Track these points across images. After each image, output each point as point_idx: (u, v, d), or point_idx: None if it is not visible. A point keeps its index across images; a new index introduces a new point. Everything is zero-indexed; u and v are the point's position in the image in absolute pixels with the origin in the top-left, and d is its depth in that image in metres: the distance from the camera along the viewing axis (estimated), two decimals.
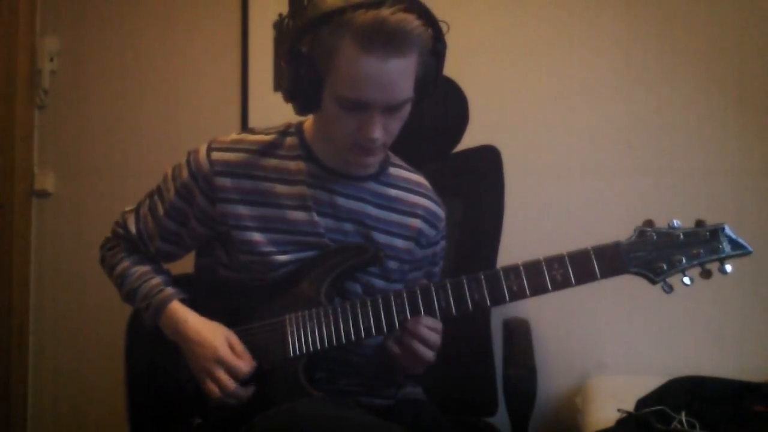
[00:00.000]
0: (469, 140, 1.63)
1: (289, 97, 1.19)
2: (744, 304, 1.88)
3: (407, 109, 1.17)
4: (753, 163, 1.91)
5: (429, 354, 1.17)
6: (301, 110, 1.21)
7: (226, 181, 1.24)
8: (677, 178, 1.94)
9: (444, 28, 1.16)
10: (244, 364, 1.18)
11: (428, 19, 1.12)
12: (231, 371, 1.17)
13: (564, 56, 1.99)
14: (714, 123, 1.93)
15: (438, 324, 1.18)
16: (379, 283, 1.30)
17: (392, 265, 1.30)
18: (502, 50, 2.03)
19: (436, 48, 1.15)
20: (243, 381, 1.18)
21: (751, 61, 1.91)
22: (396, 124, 1.17)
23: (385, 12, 1.06)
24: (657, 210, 1.93)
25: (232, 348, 1.19)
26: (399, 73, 1.10)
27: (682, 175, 1.93)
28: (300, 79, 1.14)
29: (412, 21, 1.07)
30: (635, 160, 1.96)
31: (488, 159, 1.66)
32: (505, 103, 2.01)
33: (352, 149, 1.18)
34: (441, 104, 1.51)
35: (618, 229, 1.91)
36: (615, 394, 1.64)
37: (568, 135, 1.99)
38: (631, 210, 1.95)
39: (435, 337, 1.17)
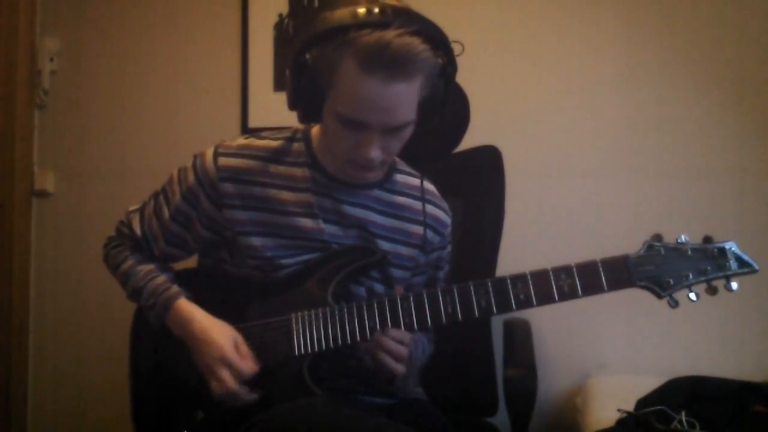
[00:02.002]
0: (470, 140, 1.63)
1: (292, 105, 1.18)
2: (744, 305, 1.88)
3: (409, 130, 1.14)
4: (753, 163, 1.91)
5: (396, 366, 1.16)
6: (303, 119, 1.20)
7: (232, 187, 1.24)
8: (677, 178, 1.94)
9: (458, 49, 1.13)
10: (248, 366, 1.17)
11: (439, 42, 1.09)
12: (234, 371, 1.17)
13: (565, 56, 2.00)
14: (714, 123, 1.93)
15: (406, 336, 1.16)
16: (382, 288, 1.30)
17: (396, 273, 1.30)
18: (503, 50, 2.03)
19: (445, 71, 1.12)
20: (246, 383, 1.17)
21: (751, 62, 1.91)
22: (396, 144, 1.15)
23: (390, 35, 1.02)
24: (656, 210, 1.95)
25: (237, 349, 1.19)
26: (400, 97, 1.07)
27: (682, 175, 1.94)
28: (302, 89, 1.13)
29: (417, 45, 1.04)
30: (635, 160, 1.96)
31: (489, 159, 1.66)
32: (506, 104, 2.02)
33: (350, 164, 1.17)
34: None
35: (618, 229, 1.92)
36: (615, 394, 1.64)
37: (569, 135, 1.99)
38: (630, 210, 1.96)
39: (401, 350, 1.16)
